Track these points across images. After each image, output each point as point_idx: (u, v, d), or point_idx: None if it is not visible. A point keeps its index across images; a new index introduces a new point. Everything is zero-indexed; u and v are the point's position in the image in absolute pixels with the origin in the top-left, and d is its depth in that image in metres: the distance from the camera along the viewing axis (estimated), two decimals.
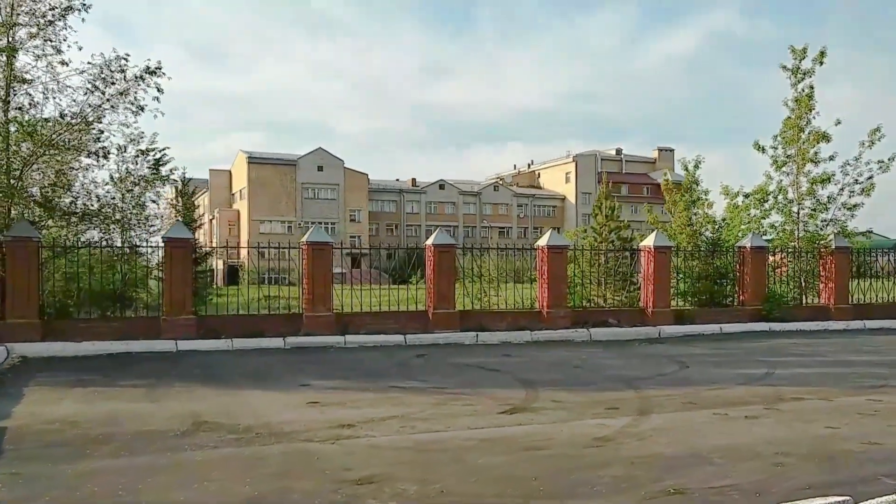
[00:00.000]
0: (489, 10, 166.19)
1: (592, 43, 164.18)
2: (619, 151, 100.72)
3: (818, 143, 21.00)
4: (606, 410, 8.72)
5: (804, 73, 21.02)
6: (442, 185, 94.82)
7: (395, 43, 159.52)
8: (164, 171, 19.28)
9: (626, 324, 18.37)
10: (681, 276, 20.15)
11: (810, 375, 11.75)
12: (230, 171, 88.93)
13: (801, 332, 18.81)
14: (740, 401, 9.38)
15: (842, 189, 21.15)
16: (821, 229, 21.25)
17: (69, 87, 14.37)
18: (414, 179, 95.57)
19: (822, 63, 20.87)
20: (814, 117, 21.08)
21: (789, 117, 21.27)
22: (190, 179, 19.35)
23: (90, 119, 14.06)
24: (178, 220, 18.03)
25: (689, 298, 20.23)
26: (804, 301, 21.03)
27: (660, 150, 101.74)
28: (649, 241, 18.91)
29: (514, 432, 7.63)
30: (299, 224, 79.59)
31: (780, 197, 21.40)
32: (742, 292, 19.94)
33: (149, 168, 18.76)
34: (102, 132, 14.52)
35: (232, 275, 60.11)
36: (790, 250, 21.32)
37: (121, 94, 14.31)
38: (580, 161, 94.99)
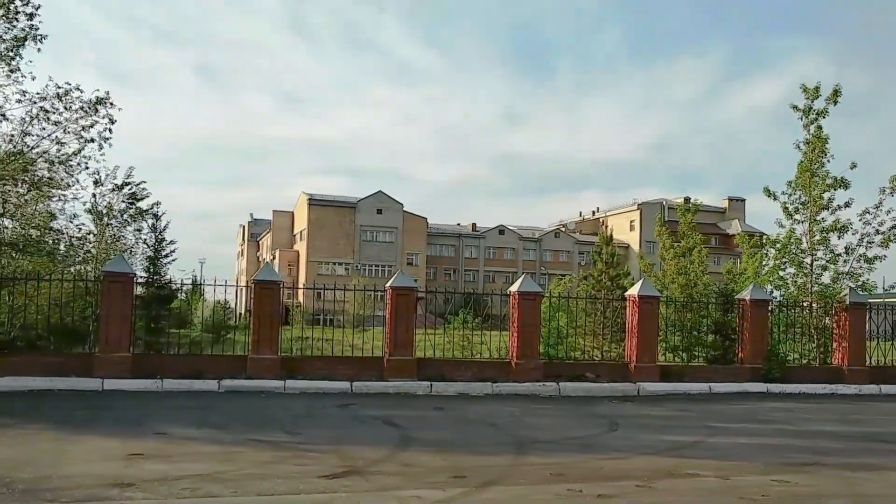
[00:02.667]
0: (569, 60, 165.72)
1: (675, 92, 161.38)
2: (687, 200, 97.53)
3: (834, 189, 19.27)
4: (450, 479, 7.63)
5: (817, 114, 19.43)
6: (502, 231, 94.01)
7: (476, 91, 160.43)
8: (143, 205, 19.15)
9: (606, 379, 16.99)
10: (670, 328, 18.70)
11: (742, 447, 10.32)
12: (293, 213, 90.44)
13: (803, 395, 17.08)
14: (620, 474, 8.13)
15: (861, 239, 19.30)
16: (834, 282, 19.39)
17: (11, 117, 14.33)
18: (474, 224, 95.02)
19: (835, 103, 19.23)
20: (828, 160, 19.41)
21: (801, 161, 19.63)
22: (163, 214, 19.10)
23: (25, 150, 13.89)
24: (121, 255, 17.71)
25: (697, 354, 18.77)
26: (820, 362, 19.16)
27: (730, 199, 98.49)
28: (634, 290, 17.60)
29: (301, 500, 6.66)
30: (356, 266, 79.96)
31: (792, 247, 19.68)
32: (741, 349, 18.29)
33: (125, 202, 18.64)
34: (34, 161, 14.31)
35: (285, 315, 60.55)
36: (803, 305, 19.54)
37: (59, 124, 14.13)
38: (645, 209, 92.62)
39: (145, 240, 18.77)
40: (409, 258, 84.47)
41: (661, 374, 17.29)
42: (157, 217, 18.41)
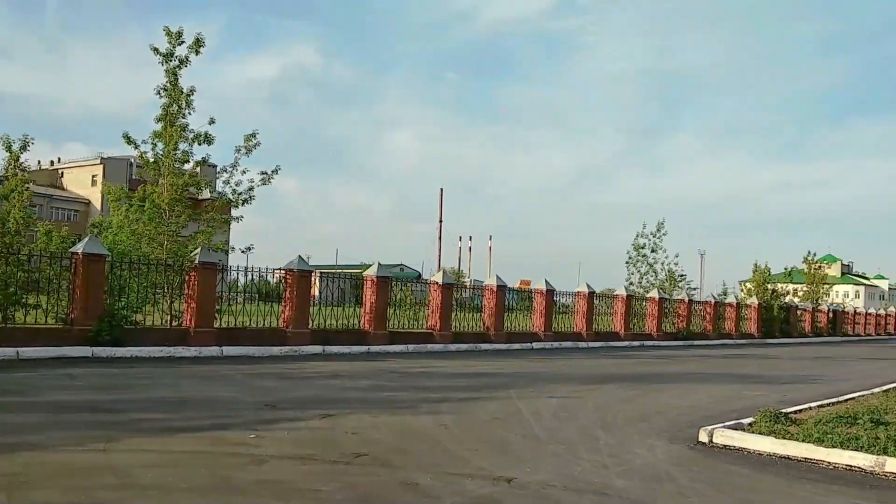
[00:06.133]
0: None
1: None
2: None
3: (198, 143, 18.50)
4: None
5: (180, 61, 18.41)
6: None
7: None
8: None
9: None
10: None
11: None
12: None
13: (136, 359, 15.76)
14: None
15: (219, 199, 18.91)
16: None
17: None
18: None
19: (198, 52, 18.45)
20: (190, 112, 18.55)
21: (161, 111, 18.42)
22: None
23: None
24: None
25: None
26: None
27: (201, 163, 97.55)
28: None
29: None
30: None
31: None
32: (73, 308, 16.31)
33: None
34: None
35: None
36: (150, 263, 18.29)
37: None
38: (109, 164, 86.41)
39: None
40: None
41: None
42: None
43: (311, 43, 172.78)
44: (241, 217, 19.60)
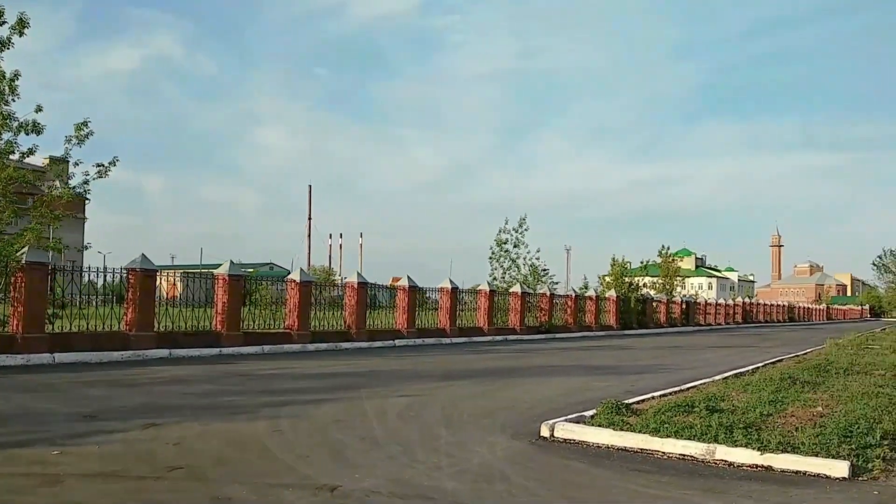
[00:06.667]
0: None
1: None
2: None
3: (26, 132, 17.00)
4: None
5: (1, 42, 16.83)
6: None
7: None
8: None
9: None
10: None
11: None
12: None
13: None
14: None
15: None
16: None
17: None
18: None
19: (21, 34, 16.91)
20: (14, 99, 16.99)
21: None
22: None
23: None
24: None
25: None
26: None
27: (51, 158, 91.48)
28: None
29: None
30: None
31: None
32: None
33: None
34: None
35: None
36: None
37: None
38: None
39: None
40: None
41: None
42: None
43: (173, 34, 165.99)
44: (78, 214, 18.10)
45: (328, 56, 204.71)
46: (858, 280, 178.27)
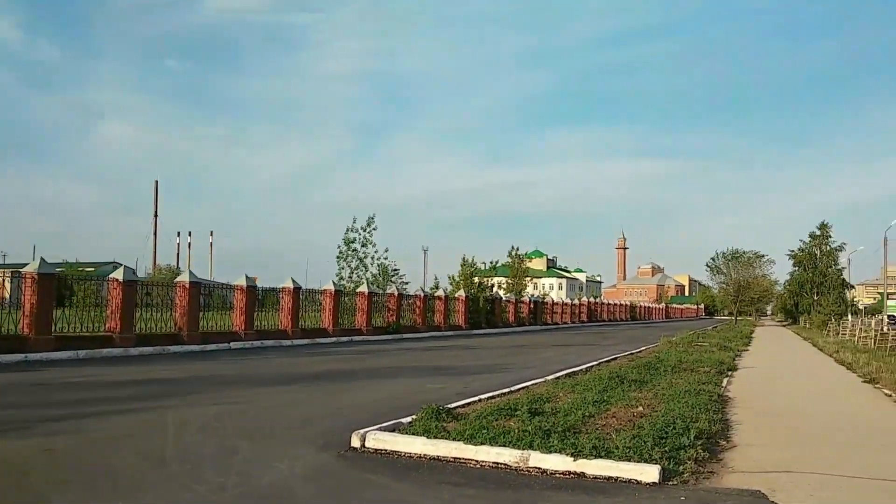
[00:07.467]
0: None
1: None
2: None
3: None
4: None
5: None
6: None
7: None
8: None
9: None
10: None
11: None
12: None
13: None
14: None
15: None
16: None
17: None
18: None
19: None
20: None
21: None
22: None
23: None
24: None
25: None
26: None
27: None
28: None
29: None
30: None
31: None
32: None
33: None
34: None
35: None
36: None
37: None
38: None
39: None
40: None
41: None
42: None
43: (7, 15, 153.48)
44: None
45: (179, 48, 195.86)
46: (696, 281, 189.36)
